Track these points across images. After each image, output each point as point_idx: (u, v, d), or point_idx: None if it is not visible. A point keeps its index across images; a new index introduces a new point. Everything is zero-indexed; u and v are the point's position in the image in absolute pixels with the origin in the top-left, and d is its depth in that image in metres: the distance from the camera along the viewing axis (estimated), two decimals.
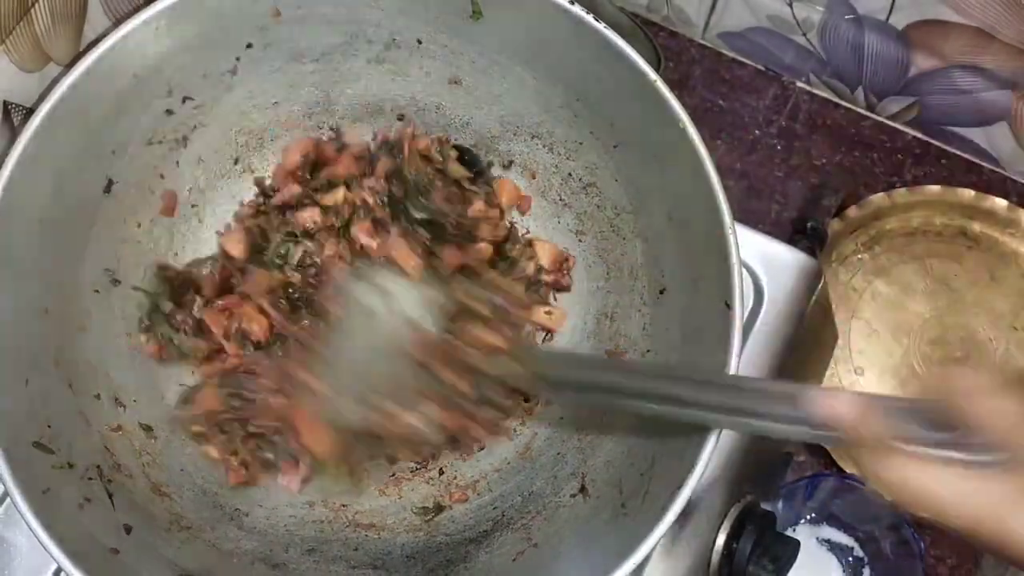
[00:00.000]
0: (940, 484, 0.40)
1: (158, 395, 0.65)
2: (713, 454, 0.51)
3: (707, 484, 0.58)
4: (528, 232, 0.70)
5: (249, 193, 0.70)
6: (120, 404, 0.62)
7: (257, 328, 0.63)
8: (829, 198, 0.86)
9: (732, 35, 0.94)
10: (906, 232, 0.89)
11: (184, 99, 0.62)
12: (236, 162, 0.69)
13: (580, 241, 0.69)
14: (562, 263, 0.68)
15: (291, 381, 0.60)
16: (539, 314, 0.68)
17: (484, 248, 0.66)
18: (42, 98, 0.55)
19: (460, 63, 0.65)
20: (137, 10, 0.56)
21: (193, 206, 0.68)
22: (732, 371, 0.52)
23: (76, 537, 0.52)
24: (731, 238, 0.54)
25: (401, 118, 0.70)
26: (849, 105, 0.95)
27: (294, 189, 0.66)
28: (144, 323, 0.64)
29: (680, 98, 0.56)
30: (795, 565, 0.61)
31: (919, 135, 0.94)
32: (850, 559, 0.82)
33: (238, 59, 0.63)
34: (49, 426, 0.55)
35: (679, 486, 0.51)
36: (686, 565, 0.58)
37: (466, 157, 0.68)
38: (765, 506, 0.64)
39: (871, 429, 0.41)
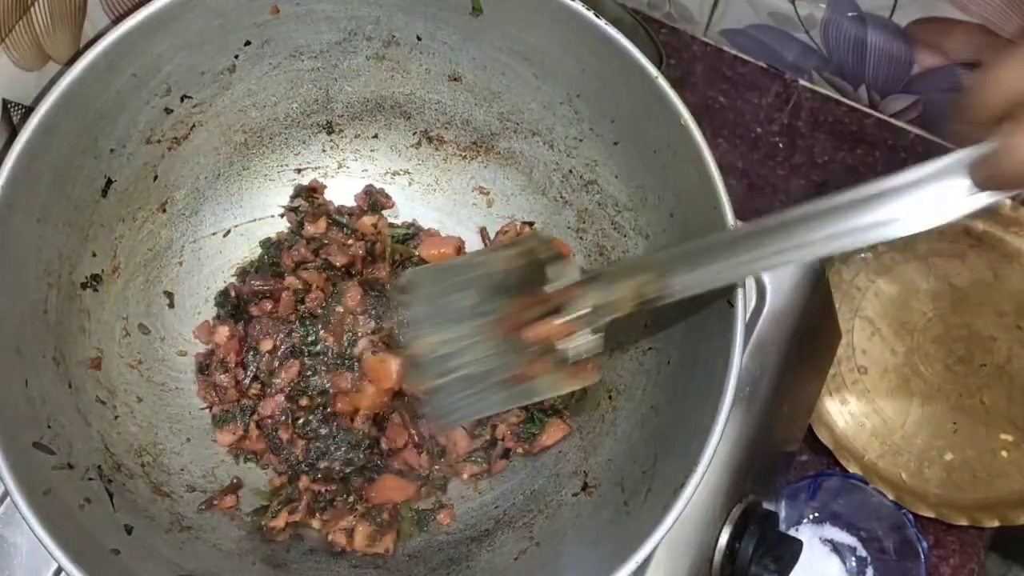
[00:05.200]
0: None
1: (159, 394, 0.65)
2: (716, 453, 0.51)
3: (709, 483, 0.58)
4: None
5: (248, 193, 0.70)
6: (121, 404, 0.62)
7: None
8: None
9: (734, 32, 0.94)
10: None
11: (183, 97, 0.62)
12: (235, 161, 0.69)
13: (581, 239, 0.68)
14: None
15: None
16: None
17: None
18: (41, 97, 0.55)
19: (460, 60, 0.65)
20: (136, 8, 0.56)
21: (192, 204, 0.68)
22: (733, 371, 0.52)
23: (77, 538, 0.51)
24: None
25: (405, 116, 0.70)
26: (852, 103, 0.95)
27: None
28: None
29: (682, 95, 0.56)
30: (798, 565, 0.61)
31: (922, 133, 0.94)
32: (853, 559, 0.82)
33: (236, 57, 0.63)
34: (49, 426, 0.55)
35: (681, 485, 0.51)
36: (688, 565, 0.58)
37: None
38: (768, 506, 0.64)
39: None
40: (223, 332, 0.66)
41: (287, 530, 0.62)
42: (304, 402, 0.65)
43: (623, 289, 0.51)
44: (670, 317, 0.61)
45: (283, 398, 0.65)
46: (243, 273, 0.69)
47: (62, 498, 0.53)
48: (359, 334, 0.65)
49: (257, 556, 0.60)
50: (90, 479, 0.56)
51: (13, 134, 0.58)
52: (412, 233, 0.70)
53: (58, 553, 0.49)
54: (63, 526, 0.51)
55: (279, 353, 0.65)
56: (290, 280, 0.67)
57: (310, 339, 0.66)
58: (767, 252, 0.48)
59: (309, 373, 0.65)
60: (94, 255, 0.61)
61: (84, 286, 0.61)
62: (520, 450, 0.65)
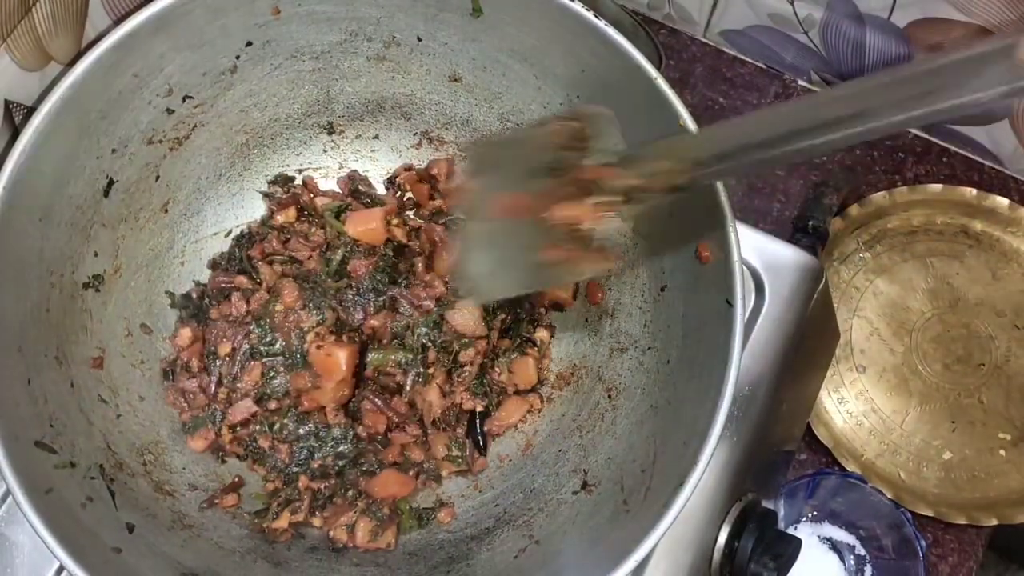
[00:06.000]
0: None
1: (160, 393, 0.65)
2: (715, 451, 0.51)
3: (708, 482, 0.58)
4: None
5: (249, 193, 0.70)
6: (124, 403, 0.62)
7: None
8: (830, 196, 0.86)
9: (733, 33, 0.94)
10: (907, 231, 0.89)
11: (184, 98, 0.62)
12: (236, 161, 0.69)
13: None
14: None
15: None
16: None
17: None
18: (43, 97, 0.55)
19: (460, 61, 0.65)
20: (138, 9, 0.56)
21: (194, 204, 0.68)
22: (732, 371, 0.52)
23: (78, 536, 0.52)
24: (732, 236, 0.54)
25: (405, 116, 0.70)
26: None
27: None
28: None
29: (681, 96, 0.56)
30: (797, 563, 0.61)
31: (920, 134, 0.94)
32: (852, 557, 0.82)
33: (238, 58, 0.63)
34: (51, 425, 0.55)
35: (681, 483, 0.51)
36: (687, 563, 0.58)
37: None
38: (767, 504, 0.64)
39: None
40: (185, 335, 0.65)
41: (289, 530, 0.62)
42: (273, 405, 0.64)
43: (656, 172, 0.49)
44: (669, 317, 0.61)
45: (251, 402, 0.63)
46: (214, 266, 0.68)
47: (64, 497, 0.53)
48: (305, 329, 0.64)
49: (259, 554, 0.60)
50: (92, 478, 0.56)
51: (15, 134, 0.58)
52: (346, 205, 0.69)
53: (60, 551, 0.50)
54: (65, 524, 0.51)
55: (239, 356, 0.64)
56: (239, 280, 0.66)
57: (267, 339, 0.64)
58: (805, 136, 0.44)
59: (271, 375, 0.64)
60: (96, 255, 0.61)
61: (86, 286, 0.61)
62: (479, 407, 0.66)
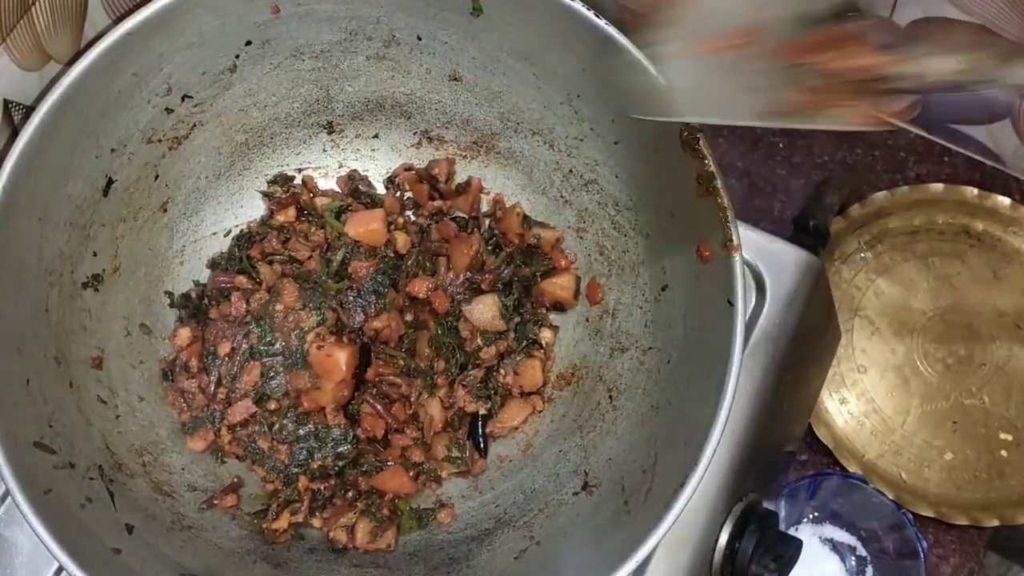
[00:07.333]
0: None
1: (160, 394, 0.65)
2: (716, 452, 0.51)
3: (709, 482, 0.58)
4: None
5: (249, 192, 0.70)
6: (123, 403, 0.62)
7: None
8: (832, 196, 0.85)
9: None
10: (909, 230, 0.89)
11: (183, 97, 0.62)
12: (236, 161, 0.69)
13: (581, 238, 0.68)
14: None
15: None
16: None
17: None
18: (42, 96, 0.55)
19: (460, 60, 0.65)
20: (137, 8, 0.56)
21: (193, 204, 0.68)
22: (733, 371, 0.52)
23: (78, 537, 0.52)
24: (734, 235, 0.54)
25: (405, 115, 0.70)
26: None
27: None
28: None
29: None
30: (798, 564, 0.61)
31: (922, 133, 0.93)
32: (853, 558, 0.82)
33: (237, 57, 0.63)
34: (50, 426, 0.55)
35: (681, 484, 0.51)
36: (688, 564, 0.58)
37: None
38: (768, 505, 0.64)
39: None
40: (184, 335, 0.65)
41: (289, 531, 0.62)
42: (272, 405, 0.64)
43: (960, 57, 0.46)
44: (670, 317, 0.61)
45: (250, 402, 0.63)
46: (213, 265, 0.68)
47: (63, 497, 0.53)
48: (305, 329, 0.64)
49: (258, 555, 0.60)
50: (91, 478, 0.56)
51: (14, 134, 0.58)
52: (346, 205, 0.69)
53: (59, 552, 0.49)
54: (64, 525, 0.51)
55: (238, 356, 0.64)
56: (239, 280, 0.66)
57: (266, 339, 0.64)
58: None
59: (270, 375, 0.64)
60: (95, 254, 0.61)
61: (85, 285, 0.61)
62: (482, 410, 0.66)
